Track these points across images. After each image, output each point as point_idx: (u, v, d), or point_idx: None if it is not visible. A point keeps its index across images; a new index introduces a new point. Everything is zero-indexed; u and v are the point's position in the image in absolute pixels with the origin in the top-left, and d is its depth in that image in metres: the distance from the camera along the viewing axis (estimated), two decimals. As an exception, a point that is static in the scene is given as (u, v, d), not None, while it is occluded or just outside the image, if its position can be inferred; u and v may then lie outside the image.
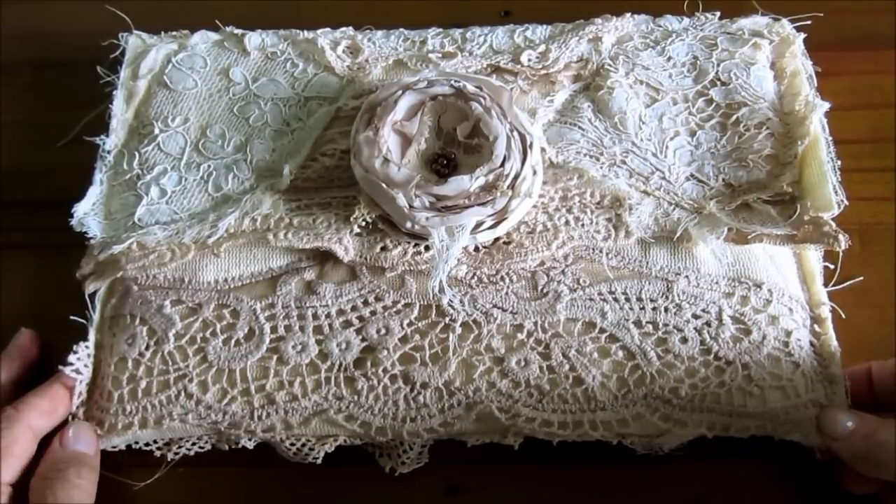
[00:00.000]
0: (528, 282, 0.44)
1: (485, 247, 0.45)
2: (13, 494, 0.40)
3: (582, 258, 0.45)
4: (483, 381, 0.42)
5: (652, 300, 0.44)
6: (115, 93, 0.50)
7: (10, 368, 0.44)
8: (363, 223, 0.44)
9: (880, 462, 0.39)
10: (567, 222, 0.45)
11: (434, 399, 0.42)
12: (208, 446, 0.44)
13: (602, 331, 0.43)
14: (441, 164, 0.45)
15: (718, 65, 0.49)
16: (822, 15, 0.51)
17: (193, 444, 0.44)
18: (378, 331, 0.43)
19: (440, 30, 0.52)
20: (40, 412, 0.41)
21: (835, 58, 0.53)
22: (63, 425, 0.42)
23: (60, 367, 0.42)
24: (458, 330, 0.43)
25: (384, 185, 0.42)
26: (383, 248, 0.45)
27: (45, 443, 0.42)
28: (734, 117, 0.48)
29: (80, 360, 0.43)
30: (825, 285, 0.46)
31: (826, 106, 0.47)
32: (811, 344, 0.44)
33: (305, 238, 0.44)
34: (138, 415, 0.42)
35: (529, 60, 0.50)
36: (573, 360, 0.42)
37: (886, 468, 0.38)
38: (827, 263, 0.46)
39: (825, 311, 0.45)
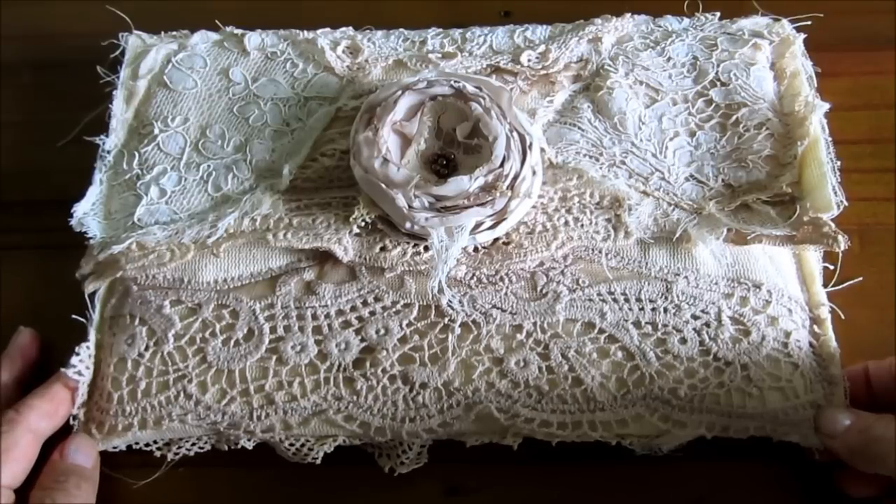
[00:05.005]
0: (527, 282, 0.44)
1: (484, 247, 0.45)
2: (15, 501, 0.40)
3: (581, 259, 0.45)
4: (482, 381, 0.42)
5: (651, 301, 0.44)
6: (115, 93, 0.50)
7: (11, 368, 0.44)
8: (363, 223, 0.44)
9: (877, 456, 0.38)
10: (566, 223, 0.45)
11: (433, 399, 0.42)
12: (208, 447, 0.44)
13: (601, 331, 0.43)
14: (441, 164, 0.45)
15: (718, 65, 0.49)
16: (822, 15, 0.51)
17: (193, 444, 0.44)
18: (377, 331, 0.43)
19: (440, 30, 0.52)
20: (41, 414, 0.41)
21: (835, 58, 0.52)
22: (63, 436, 0.42)
23: (62, 370, 0.42)
24: (458, 330, 0.43)
25: (384, 185, 0.42)
26: (383, 249, 0.45)
27: (45, 453, 0.41)
28: (734, 118, 0.48)
29: (82, 361, 0.43)
30: (825, 286, 0.46)
31: (826, 106, 0.47)
32: (810, 345, 0.44)
33: (305, 238, 0.44)
34: (138, 416, 0.42)
35: (529, 61, 0.50)
36: (572, 361, 0.42)
37: (883, 462, 0.38)
38: (827, 264, 0.46)
39: (825, 312, 0.45)
